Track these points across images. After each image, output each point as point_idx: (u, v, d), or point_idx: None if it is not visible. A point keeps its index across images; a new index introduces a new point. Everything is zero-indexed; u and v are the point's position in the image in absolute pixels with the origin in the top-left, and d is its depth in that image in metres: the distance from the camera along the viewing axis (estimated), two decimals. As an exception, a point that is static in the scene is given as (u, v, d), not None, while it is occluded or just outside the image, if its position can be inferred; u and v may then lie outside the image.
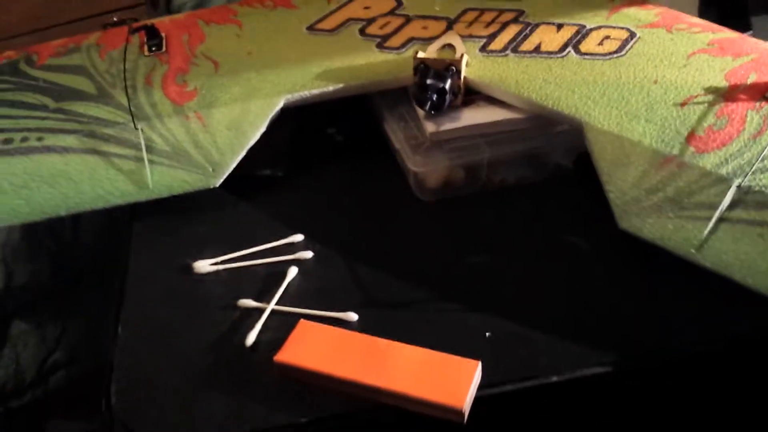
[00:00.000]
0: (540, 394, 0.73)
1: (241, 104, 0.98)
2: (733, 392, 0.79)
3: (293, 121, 1.11)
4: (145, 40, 1.09)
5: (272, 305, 0.82)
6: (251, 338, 0.78)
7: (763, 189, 0.77)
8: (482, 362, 0.72)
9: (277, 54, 1.06)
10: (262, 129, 0.96)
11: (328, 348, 0.75)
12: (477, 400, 0.71)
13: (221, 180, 0.92)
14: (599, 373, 0.73)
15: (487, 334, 0.78)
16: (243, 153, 0.94)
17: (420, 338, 0.75)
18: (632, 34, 1.01)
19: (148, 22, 1.12)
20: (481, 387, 0.72)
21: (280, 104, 0.98)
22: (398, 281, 0.86)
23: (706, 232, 0.77)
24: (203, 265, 0.89)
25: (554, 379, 0.73)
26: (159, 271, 0.90)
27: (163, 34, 1.10)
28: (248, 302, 0.83)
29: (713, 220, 0.77)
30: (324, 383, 0.73)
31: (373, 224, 0.96)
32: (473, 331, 0.78)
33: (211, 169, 0.92)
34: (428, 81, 0.95)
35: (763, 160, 0.80)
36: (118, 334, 0.81)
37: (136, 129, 0.95)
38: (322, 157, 1.09)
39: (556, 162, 1.01)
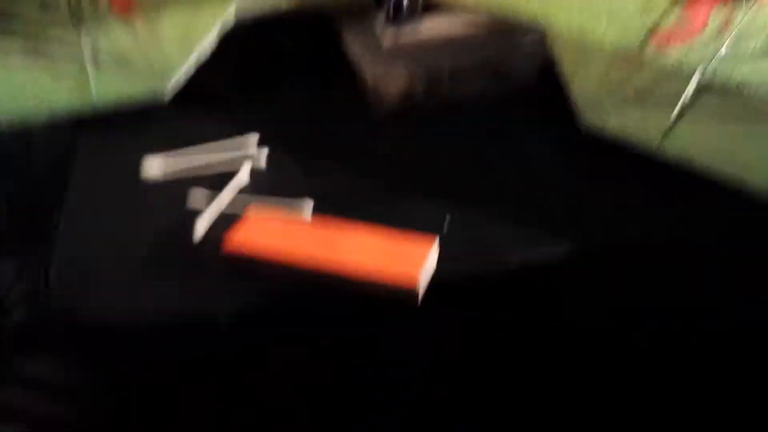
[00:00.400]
0: (497, 276, 0.71)
1: (188, 16, 0.94)
2: (674, 282, 0.78)
3: (250, 39, 1.08)
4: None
5: (223, 200, 0.79)
6: (199, 233, 0.75)
7: (726, 79, 0.76)
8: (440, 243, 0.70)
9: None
10: (212, 38, 0.92)
11: (278, 233, 0.72)
12: (432, 286, 0.68)
13: (169, 92, 0.89)
14: (553, 257, 0.71)
15: (447, 217, 0.75)
16: (190, 63, 0.90)
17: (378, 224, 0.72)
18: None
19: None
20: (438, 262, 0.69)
21: (230, 16, 0.94)
22: (355, 175, 0.83)
23: (670, 120, 0.75)
24: (153, 164, 0.85)
25: (513, 259, 0.71)
26: (105, 175, 0.85)
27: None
28: (198, 199, 0.80)
29: (677, 108, 0.75)
30: (275, 271, 0.70)
31: (331, 133, 0.93)
32: (432, 218, 0.75)
33: (158, 80, 0.88)
34: (387, -14, 0.92)
35: (725, 51, 0.79)
36: (60, 228, 0.76)
37: (80, 34, 0.90)
38: (280, 73, 1.06)
39: (519, 75, 0.99)
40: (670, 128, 0.76)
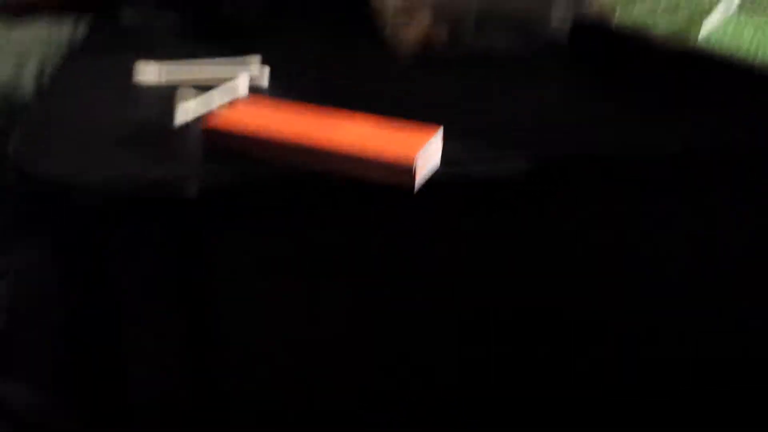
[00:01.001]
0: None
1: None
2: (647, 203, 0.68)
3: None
4: None
5: (212, 98, 0.72)
6: (182, 116, 0.67)
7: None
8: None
9: None
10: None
11: (266, 114, 0.64)
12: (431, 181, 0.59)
13: None
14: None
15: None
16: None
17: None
18: None
19: None
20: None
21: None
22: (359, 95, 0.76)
23: (712, 19, 0.67)
24: (147, 68, 0.78)
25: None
26: (97, 70, 0.79)
27: None
28: (186, 95, 0.73)
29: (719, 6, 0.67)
30: (261, 153, 0.61)
31: (343, 76, 0.86)
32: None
33: None
34: None
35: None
36: (32, 100, 0.70)
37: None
38: (299, 22, 1.01)
39: (551, 34, 0.93)
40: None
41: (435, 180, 0.59)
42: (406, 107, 0.75)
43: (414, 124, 0.61)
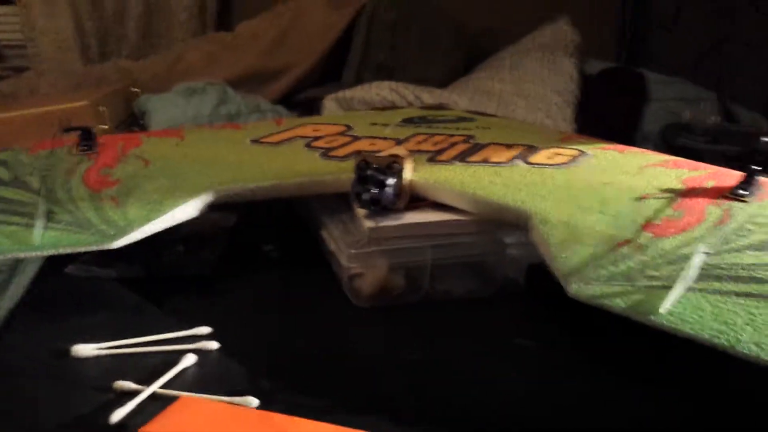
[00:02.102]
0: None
1: (165, 191, 0.89)
2: None
3: (225, 236, 1.04)
4: (79, 141, 1.04)
5: (153, 387, 0.67)
6: (118, 416, 0.62)
7: (732, 266, 0.68)
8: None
9: (214, 155, 1.01)
10: (185, 213, 0.87)
11: (210, 422, 0.59)
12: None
13: (120, 243, 0.80)
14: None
15: None
16: (155, 227, 0.83)
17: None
18: (583, 153, 0.98)
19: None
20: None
21: (209, 195, 0.90)
22: (314, 373, 0.72)
23: (669, 298, 0.65)
24: (84, 349, 0.74)
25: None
26: (32, 350, 0.75)
27: (99, 141, 1.05)
28: (126, 383, 0.68)
29: (677, 285, 0.66)
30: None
31: (297, 327, 0.84)
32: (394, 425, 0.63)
33: (111, 233, 0.80)
34: (369, 172, 0.89)
35: (728, 243, 0.72)
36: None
37: (39, 196, 0.86)
38: (251, 268, 0.99)
39: (505, 275, 0.92)
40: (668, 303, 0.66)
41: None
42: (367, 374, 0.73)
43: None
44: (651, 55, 2.06)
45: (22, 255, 0.82)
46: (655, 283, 0.67)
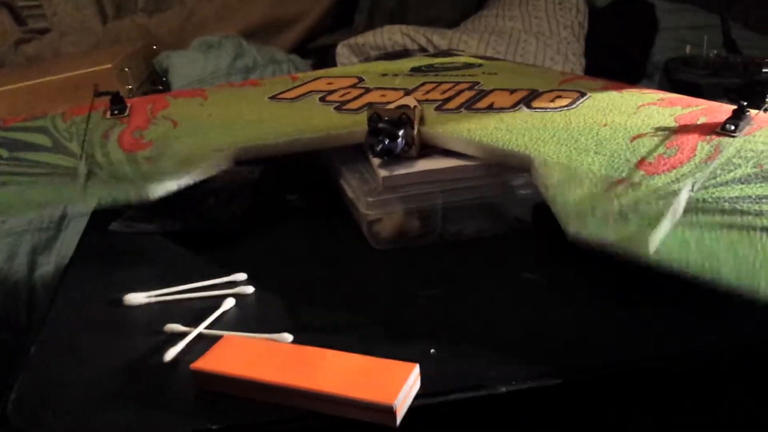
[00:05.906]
0: (486, 406, 0.66)
1: (193, 149, 0.97)
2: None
3: (251, 188, 1.11)
4: (109, 105, 1.11)
5: (200, 328, 0.76)
6: (170, 355, 0.71)
7: (717, 200, 0.75)
8: (424, 373, 0.65)
9: (236, 114, 1.08)
10: (212, 169, 0.95)
11: (251, 356, 0.68)
12: (416, 411, 0.63)
13: (157, 193, 0.88)
14: (543, 385, 0.66)
15: (432, 350, 0.71)
16: (187, 180, 0.91)
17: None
18: (582, 94, 1.03)
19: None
20: (420, 396, 0.64)
21: (233, 152, 0.98)
22: (341, 310, 0.81)
23: (657, 234, 0.72)
24: (136, 297, 0.83)
25: (503, 389, 0.66)
26: (87, 303, 0.84)
27: (128, 104, 1.13)
28: (175, 326, 0.77)
29: (664, 221, 0.73)
30: (246, 392, 0.65)
31: (323, 269, 0.92)
32: (417, 351, 0.71)
33: (149, 185, 0.89)
34: (380, 125, 0.95)
35: (715, 177, 0.78)
36: (30, 353, 0.74)
37: (79, 160, 0.94)
38: (277, 217, 1.07)
39: (514, 215, 0.99)
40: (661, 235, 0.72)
41: (417, 408, 0.63)
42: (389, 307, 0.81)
43: (390, 362, 0.65)
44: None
45: (66, 205, 0.90)
46: (646, 220, 0.74)
